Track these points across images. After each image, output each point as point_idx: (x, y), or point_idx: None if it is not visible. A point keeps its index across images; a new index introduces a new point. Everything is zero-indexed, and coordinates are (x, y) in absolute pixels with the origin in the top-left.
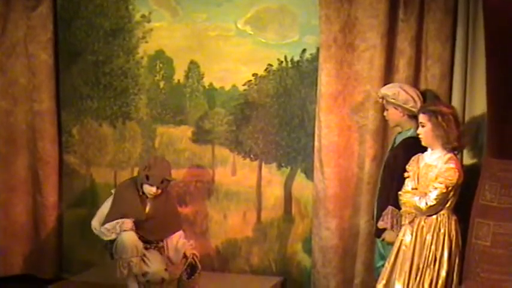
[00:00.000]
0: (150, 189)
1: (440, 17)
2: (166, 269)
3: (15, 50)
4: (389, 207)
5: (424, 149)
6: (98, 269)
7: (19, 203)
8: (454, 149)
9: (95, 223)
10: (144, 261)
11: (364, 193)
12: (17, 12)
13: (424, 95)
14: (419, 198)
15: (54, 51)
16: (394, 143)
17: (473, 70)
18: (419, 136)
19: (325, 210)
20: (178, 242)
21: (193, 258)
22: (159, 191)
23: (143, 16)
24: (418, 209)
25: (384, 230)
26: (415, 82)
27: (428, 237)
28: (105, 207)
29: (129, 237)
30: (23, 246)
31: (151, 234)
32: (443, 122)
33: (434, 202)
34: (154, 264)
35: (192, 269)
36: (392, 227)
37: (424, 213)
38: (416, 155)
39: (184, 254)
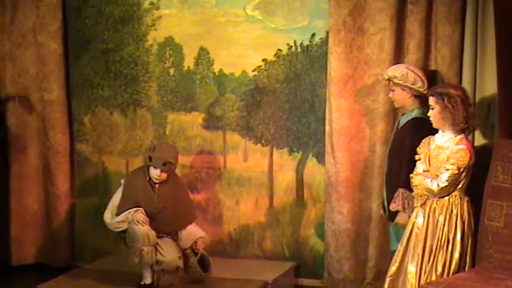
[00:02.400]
0: (154, 173)
1: None
2: (180, 257)
3: (24, 39)
4: (400, 190)
5: (431, 129)
6: (110, 257)
7: (31, 192)
8: (464, 130)
9: (107, 215)
10: (158, 250)
11: (376, 176)
12: (26, 2)
13: (435, 77)
14: (431, 180)
15: (63, 41)
16: (398, 124)
17: (483, 51)
18: (430, 119)
19: (338, 194)
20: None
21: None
22: (163, 174)
23: (152, 3)
24: (430, 191)
25: (396, 213)
26: (425, 64)
27: (441, 219)
28: (116, 198)
29: (140, 227)
30: (36, 235)
31: (165, 226)
32: (449, 104)
33: (446, 183)
34: (169, 253)
35: (202, 260)
36: (404, 209)
37: (436, 195)
38: (427, 137)
39: (196, 243)
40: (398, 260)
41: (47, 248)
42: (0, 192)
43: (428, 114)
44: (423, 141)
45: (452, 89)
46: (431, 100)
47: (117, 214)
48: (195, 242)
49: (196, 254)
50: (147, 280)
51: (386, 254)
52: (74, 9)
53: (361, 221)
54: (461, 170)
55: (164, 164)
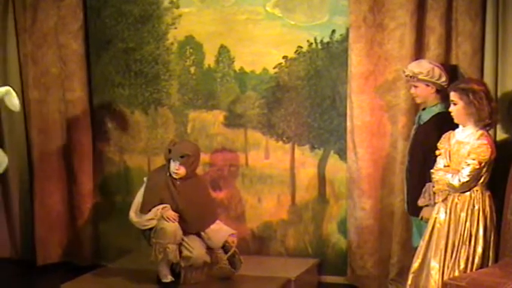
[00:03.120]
0: (172, 166)
1: None
2: (207, 252)
3: (46, 40)
4: (428, 184)
5: (455, 124)
6: (134, 255)
7: (55, 191)
8: (487, 125)
9: (132, 214)
10: (185, 246)
11: (397, 173)
12: (47, 2)
13: (456, 72)
14: (452, 176)
15: (84, 40)
16: (420, 119)
17: (504, 45)
18: (452, 114)
19: (360, 190)
20: (214, 228)
21: (235, 250)
22: (182, 168)
23: (172, 2)
24: (451, 186)
25: (421, 208)
26: (445, 59)
27: (463, 214)
28: (139, 197)
29: (171, 224)
30: (60, 235)
31: (187, 226)
32: (474, 100)
33: (468, 178)
34: (196, 249)
35: (233, 258)
36: (435, 203)
37: (458, 190)
38: (448, 133)
39: (226, 242)
40: (420, 256)
41: (71, 247)
42: (24, 193)
43: (450, 109)
44: (443, 136)
45: (475, 84)
46: (454, 95)
47: (141, 212)
48: (226, 240)
49: (226, 251)
50: (167, 278)
51: (409, 250)
52: (95, 9)
53: (383, 217)
54: (482, 165)
55: (182, 157)
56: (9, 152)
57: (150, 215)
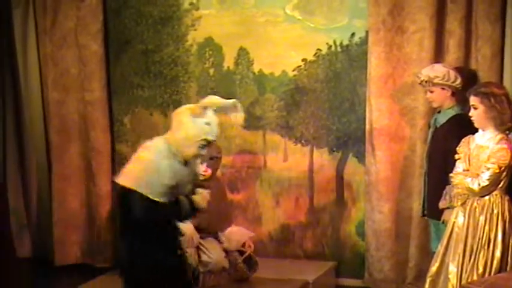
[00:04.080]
0: (200, 169)
1: None
2: (225, 257)
3: (66, 41)
4: (449, 186)
5: (473, 126)
6: None
7: (73, 192)
8: (507, 129)
9: None
10: (203, 251)
11: (416, 176)
12: (67, 4)
13: (475, 76)
14: (472, 180)
15: (104, 41)
16: (436, 122)
17: None
18: (472, 118)
19: (378, 193)
20: (232, 230)
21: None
22: (209, 170)
23: (191, 4)
24: (470, 190)
25: (441, 211)
26: (465, 63)
27: (482, 218)
28: None
29: (188, 227)
30: (79, 236)
31: (206, 226)
32: (496, 104)
33: (487, 183)
34: (215, 254)
35: (249, 261)
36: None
37: (477, 194)
38: (467, 137)
39: (244, 244)
40: (438, 260)
41: (89, 248)
42: (42, 193)
43: (471, 114)
44: (463, 140)
45: (495, 87)
46: (475, 100)
47: None
48: (244, 243)
49: (242, 254)
50: None
51: (427, 254)
52: (114, 10)
53: (401, 221)
54: (502, 169)
55: (211, 159)
56: (29, 152)
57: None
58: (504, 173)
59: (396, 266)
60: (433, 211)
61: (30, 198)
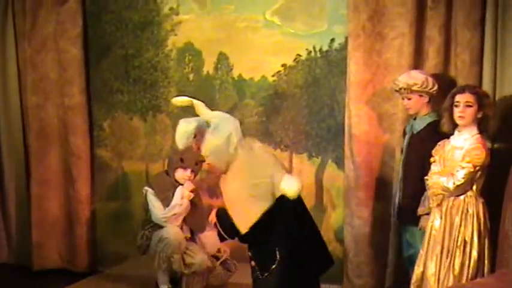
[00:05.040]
0: (183, 174)
1: (469, 4)
2: (208, 257)
3: (45, 45)
4: (427, 192)
5: (450, 132)
6: (131, 261)
7: (52, 197)
8: (485, 131)
9: (159, 214)
10: (187, 254)
11: (395, 182)
12: (47, 8)
13: (455, 82)
14: (447, 179)
15: (83, 46)
16: (413, 129)
17: (503, 56)
18: (460, 116)
19: (357, 199)
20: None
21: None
22: (193, 175)
23: (171, 9)
24: (445, 189)
25: (417, 217)
26: (444, 69)
27: (457, 219)
28: (154, 203)
29: (176, 233)
30: (57, 240)
31: (194, 225)
32: (490, 105)
33: (462, 181)
34: (199, 255)
35: (226, 264)
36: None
37: (452, 194)
38: (442, 141)
39: (219, 250)
40: (421, 264)
41: (68, 252)
42: (21, 197)
43: (460, 111)
44: (439, 144)
45: (481, 89)
46: (471, 97)
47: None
48: (219, 249)
49: (218, 259)
50: (166, 285)
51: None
52: (94, 15)
53: (380, 226)
54: (477, 168)
55: (196, 164)
56: (7, 156)
57: (177, 197)
58: (479, 174)
59: (375, 271)
60: (408, 217)
61: (8, 202)
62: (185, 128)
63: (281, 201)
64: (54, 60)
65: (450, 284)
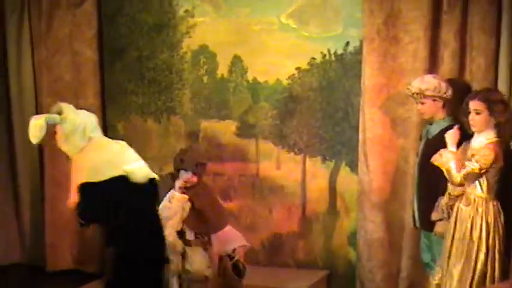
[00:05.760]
0: (185, 176)
1: (485, 8)
2: (209, 267)
3: (60, 47)
4: (441, 197)
5: (465, 136)
6: None
7: (66, 198)
8: (504, 136)
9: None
10: (186, 259)
11: (409, 186)
12: (62, 10)
13: (470, 86)
14: (456, 168)
15: (98, 48)
16: (428, 133)
17: None
18: (471, 122)
19: (370, 203)
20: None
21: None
22: (195, 177)
23: (186, 11)
24: (450, 174)
25: (433, 222)
26: (459, 73)
27: (468, 221)
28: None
29: (168, 235)
30: (71, 241)
31: (194, 226)
32: (500, 110)
33: (463, 177)
34: (197, 262)
35: (237, 268)
36: (449, 217)
37: (453, 182)
38: (464, 143)
39: (234, 251)
40: (437, 277)
41: (81, 254)
42: (35, 198)
43: (471, 118)
44: (462, 147)
45: (497, 93)
46: (480, 105)
47: None
48: (234, 249)
49: (231, 259)
50: None
51: (419, 265)
52: (109, 17)
53: (394, 231)
54: (482, 171)
55: (196, 165)
56: (21, 157)
57: (164, 200)
58: (490, 174)
59: (388, 276)
60: (425, 222)
61: (22, 203)
62: (35, 122)
63: (127, 186)
64: (69, 62)
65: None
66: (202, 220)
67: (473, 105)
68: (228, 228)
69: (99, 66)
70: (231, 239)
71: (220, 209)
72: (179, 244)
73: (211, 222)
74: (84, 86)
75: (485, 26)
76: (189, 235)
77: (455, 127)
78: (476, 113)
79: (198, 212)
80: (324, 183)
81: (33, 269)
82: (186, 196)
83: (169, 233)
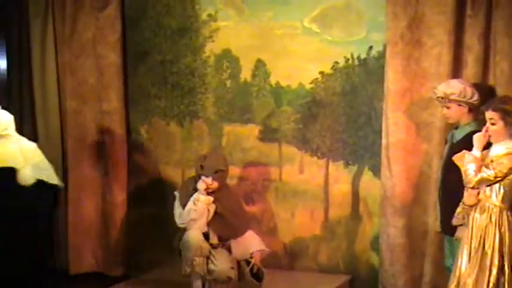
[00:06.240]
0: (206, 181)
1: (509, 12)
2: (232, 268)
3: (84, 50)
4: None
5: (489, 142)
6: (165, 267)
7: (89, 201)
8: None
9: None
10: (210, 259)
11: (432, 191)
12: (86, 14)
13: (494, 91)
14: (475, 170)
15: (122, 51)
16: (453, 138)
17: None
18: (489, 133)
19: (393, 208)
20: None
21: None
22: (215, 183)
23: (209, 15)
24: (466, 173)
25: (455, 227)
26: (483, 78)
27: (481, 228)
28: (176, 208)
29: (195, 236)
30: (93, 245)
31: (219, 232)
32: None
33: (477, 180)
34: (221, 263)
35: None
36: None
37: (466, 182)
38: (486, 151)
39: (252, 255)
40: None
41: (103, 257)
42: (58, 202)
43: (487, 128)
44: (484, 151)
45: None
46: (493, 115)
47: (181, 224)
48: (252, 254)
49: (248, 264)
50: None
51: (442, 270)
52: (133, 21)
53: (416, 236)
54: (497, 178)
55: (216, 172)
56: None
57: (190, 203)
58: (505, 184)
59: (410, 281)
60: (448, 227)
61: None
62: None
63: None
64: (93, 65)
65: None
66: (224, 224)
67: (488, 115)
68: (248, 233)
69: (123, 70)
70: (250, 243)
71: (242, 215)
72: (206, 247)
73: (232, 228)
74: (108, 89)
75: (509, 30)
76: (213, 238)
77: (484, 131)
78: (492, 123)
79: (219, 216)
80: (347, 187)
81: (56, 272)
82: (211, 198)
83: (196, 235)
